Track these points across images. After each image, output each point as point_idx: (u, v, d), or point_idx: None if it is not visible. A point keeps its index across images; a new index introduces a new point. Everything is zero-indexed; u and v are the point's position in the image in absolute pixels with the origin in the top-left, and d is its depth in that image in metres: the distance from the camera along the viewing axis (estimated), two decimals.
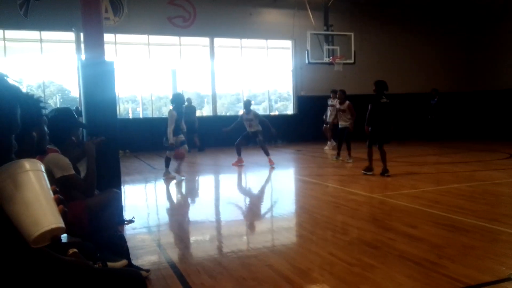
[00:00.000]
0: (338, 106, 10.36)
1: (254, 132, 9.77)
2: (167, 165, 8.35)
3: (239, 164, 9.86)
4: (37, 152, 2.33)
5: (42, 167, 1.31)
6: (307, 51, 14.14)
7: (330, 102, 13.10)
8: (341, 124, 10.26)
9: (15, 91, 1.32)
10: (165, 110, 18.41)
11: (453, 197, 5.82)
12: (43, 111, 2.21)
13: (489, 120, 16.92)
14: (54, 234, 1.23)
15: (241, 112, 16.81)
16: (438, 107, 15.33)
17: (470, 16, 17.96)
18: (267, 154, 9.66)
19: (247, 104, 9.98)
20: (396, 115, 7.75)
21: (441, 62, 18.15)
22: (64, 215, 1.27)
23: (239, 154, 9.91)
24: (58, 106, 18.35)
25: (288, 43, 16.63)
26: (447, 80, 18.04)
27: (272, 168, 9.34)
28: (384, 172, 7.64)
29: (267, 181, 8.50)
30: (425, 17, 17.83)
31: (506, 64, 16.54)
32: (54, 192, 1.29)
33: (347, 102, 10.12)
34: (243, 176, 8.96)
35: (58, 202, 1.27)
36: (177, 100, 8.19)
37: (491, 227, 4.31)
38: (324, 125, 13.26)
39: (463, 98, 17.99)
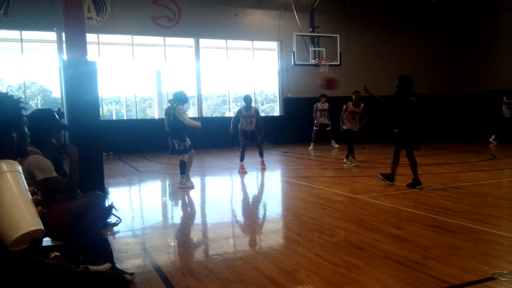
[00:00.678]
0: (352, 108, 9.47)
1: (252, 131, 9.11)
2: (183, 172, 7.42)
3: (244, 172, 8.97)
4: (18, 153, 2.27)
5: (20, 168, 1.27)
6: (293, 52, 14.20)
7: (321, 106, 13.32)
8: (353, 127, 9.48)
9: None
10: (150, 111, 18.27)
11: (438, 198, 5.87)
12: (23, 111, 2.15)
13: (474, 122, 17.18)
14: (33, 236, 1.20)
15: (229, 114, 16.84)
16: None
17: (455, 18, 18.26)
18: (262, 155, 9.35)
19: (249, 99, 9.08)
20: (423, 115, 6.78)
21: (426, 64, 18.38)
22: (43, 216, 1.23)
23: (242, 159, 9.13)
24: (39, 107, 18.06)
25: (274, 45, 16.65)
26: (433, 82, 18.28)
27: (263, 169, 9.28)
28: (415, 184, 6.54)
29: (253, 183, 8.47)
30: (411, 19, 18.05)
31: (492, 66, 16.85)
32: (33, 193, 1.25)
33: (362, 104, 9.56)
34: (229, 178, 8.92)
35: (37, 203, 1.23)
36: (181, 98, 7.45)
37: (475, 228, 4.35)
38: (327, 128, 13.65)
39: (449, 100, 18.26)
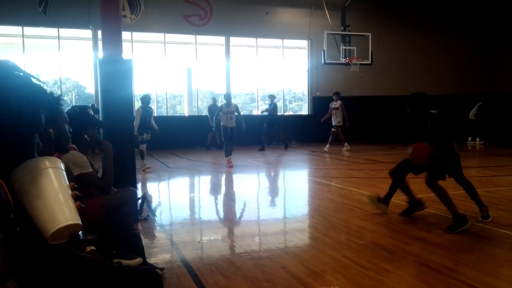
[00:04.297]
0: None
1: (232, 128, 9.59)
2: (143, 157, 9.34)
3: (231, 165, 9.47)
4: (56, 149, 2.34)
5: (62, 165, 1.31)
6: (323, 51, 14.08)
7: (333, 105, 12.85)
8: None
9: (39, 90, 1.33)
10: (180, 108, 18.54)
11: (471, 202, 5.70)
12: (62, 108, 2.22)
13: (507, 124, 16.59)
14: (71, 230, 1.23)
15: (257, 112, 16.88)
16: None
17: (491, 17, 17.66)
18: (231, 153, 9.60)
19: (229, 97, 9.87)
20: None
21: (460, 64, 17.86)
22: (82, 211, 1.26)
23: (229, 154, 9.60)
24: (73, 102, 18.58)
25: (304, 43, 16.56)
26: (463, 82, 17.76)
27: (229, 168, 9.32)
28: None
29: (281, 182, 8.47)
30: (444, 17, 17.59)
31: None
32: (73, 189, 1.29)
33: None
34: (256, 176, 8.95)
35: (76, 198, 1.27)
36: (144, 100, 9.37)
37: (509, 234, 4.22)
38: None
39: (486, 101, 17.67)
